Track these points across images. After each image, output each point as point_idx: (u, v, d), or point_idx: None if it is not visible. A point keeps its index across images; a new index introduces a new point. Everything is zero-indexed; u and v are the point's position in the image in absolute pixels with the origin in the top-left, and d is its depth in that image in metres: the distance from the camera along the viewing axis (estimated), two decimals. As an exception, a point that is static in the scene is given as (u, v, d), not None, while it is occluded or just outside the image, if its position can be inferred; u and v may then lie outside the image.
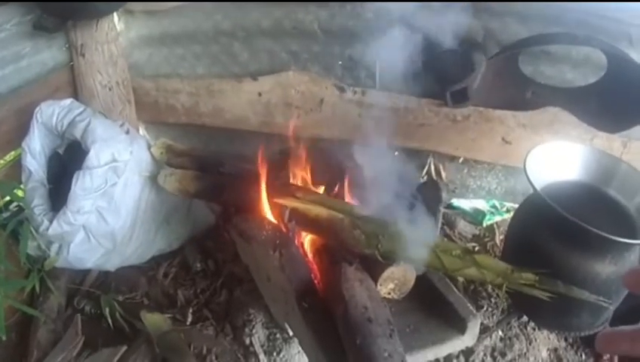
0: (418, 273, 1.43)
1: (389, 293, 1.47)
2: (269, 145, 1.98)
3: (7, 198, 2.01)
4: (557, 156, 1.67)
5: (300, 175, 1.57)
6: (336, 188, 1.56)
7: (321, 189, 1.60)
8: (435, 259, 1.36)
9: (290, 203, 1.45)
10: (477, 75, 1.78)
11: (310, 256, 1.48)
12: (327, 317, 1.34)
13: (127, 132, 1.85)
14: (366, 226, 1.39)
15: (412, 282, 1.47)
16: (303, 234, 1.50)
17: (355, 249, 1.39)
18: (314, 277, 1.42)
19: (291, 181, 1.56)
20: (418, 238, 1.36)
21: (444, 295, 1.48)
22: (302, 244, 1.49)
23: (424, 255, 1.36)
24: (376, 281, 1.41)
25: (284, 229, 1.45)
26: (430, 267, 1.40)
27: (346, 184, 1.52)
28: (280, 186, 1.52)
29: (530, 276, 1.37)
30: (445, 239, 1.91)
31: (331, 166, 1.56)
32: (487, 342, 1.74)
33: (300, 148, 1.58)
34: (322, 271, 1.43)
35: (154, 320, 1.70)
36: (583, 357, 1.80)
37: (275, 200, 1.47)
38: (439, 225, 1.61)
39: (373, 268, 1.42)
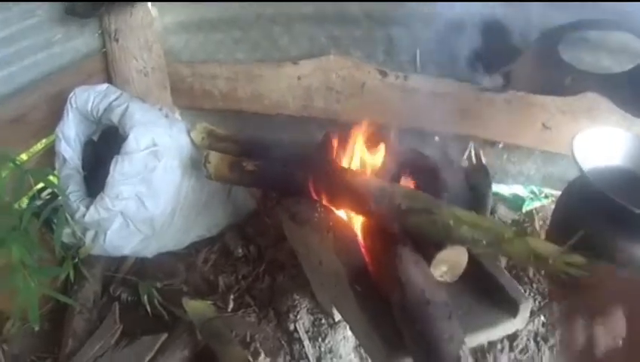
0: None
1: (441, 276, 1.46)
2: (307, 131, 1.98)
3: (40, 186, 1.98)
4: (600, 142, 1.68)
5: (350, 158, 1.56)
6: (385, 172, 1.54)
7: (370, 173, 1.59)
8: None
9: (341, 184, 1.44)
10: (519, 60, 1.78)
11: (363, 238, 1.47)
12: (380, 300, 1.33)
13: (167, 116, 1.83)
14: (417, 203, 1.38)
15: (464, 265, 1.45)
16: (354, 216, 1.49)
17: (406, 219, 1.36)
18: (367, 259, 1.40)
19: (340, 164, 1.55)
20: (470, 217, 1.35)
21: (496, 277, 1.47)
22: (354, 227, 1.48)
23: (475, 235, 1.34)
24: (429, 263, 1.40)
25: (335, 212, 1.44)
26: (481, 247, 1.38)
27: (398, 169, 1.51)
28: (330, 169, 1.50)
29: (580, 258, 1.36)
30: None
31: (382, 150, 1.54)
32: (530, 326, 1.74)
33: (348, 132, 1.56)
34: (375, 254, 1.42)
35: (196, 307, 1.68)
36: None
37: (328, 182, 1.45)
38: (489, 207, 1.61)
39: (426, 250, 1.41)
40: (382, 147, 1.52)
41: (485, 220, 1.39)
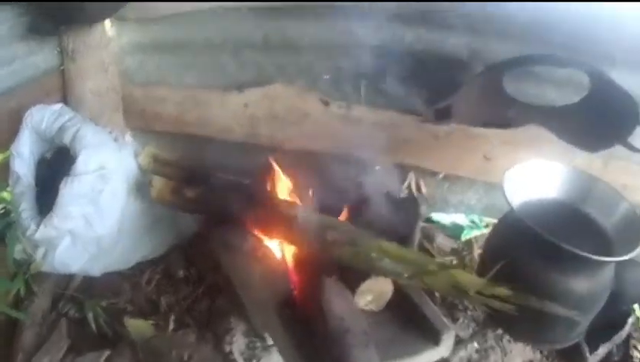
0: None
1: (367, 305, 1.50)
2: (253, 158, 2.02)
3: (-6, 201, 2.02)
4: (536, 174, 1.72)
5: (284, 188, 1.60)
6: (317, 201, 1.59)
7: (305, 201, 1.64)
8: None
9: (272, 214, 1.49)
10: (461, 93, 1.82)
11: (291, 267, 1.51)
12: (306, 326, 1.37)
13: (116, 139, 1.87)
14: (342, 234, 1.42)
15: (389, 294, 1.50)
16: (285, 245, 1.53)
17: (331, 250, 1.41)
18: (294, 287, 1.45)
19: (274, 193, 1.59)
20: (393, 250, 1.40)
21: (420, 307, 1.52)
22: (283, 255, 1.52)
23: (397, 267, 1.39)
24: (354, 293, 1.45)
25: (265, 241, 1.48)
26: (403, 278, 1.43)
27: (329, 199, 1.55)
28: (264, 198, 1.55)
29: (504, 290, 1.40)
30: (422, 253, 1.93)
31: (316, 179, 1.59)
32: (463, 353, 1.77)
33: (285, 161, 1.61)
34: (302, 282, 1.47)
35: (137, 326, 1.73)
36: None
37: (259, 212, 1.50)
38: (416, 239, 1.65)
39: (352, 280, 1.46)
40: (315, 177, 1.56)
41: (409, 252, 1.45)
